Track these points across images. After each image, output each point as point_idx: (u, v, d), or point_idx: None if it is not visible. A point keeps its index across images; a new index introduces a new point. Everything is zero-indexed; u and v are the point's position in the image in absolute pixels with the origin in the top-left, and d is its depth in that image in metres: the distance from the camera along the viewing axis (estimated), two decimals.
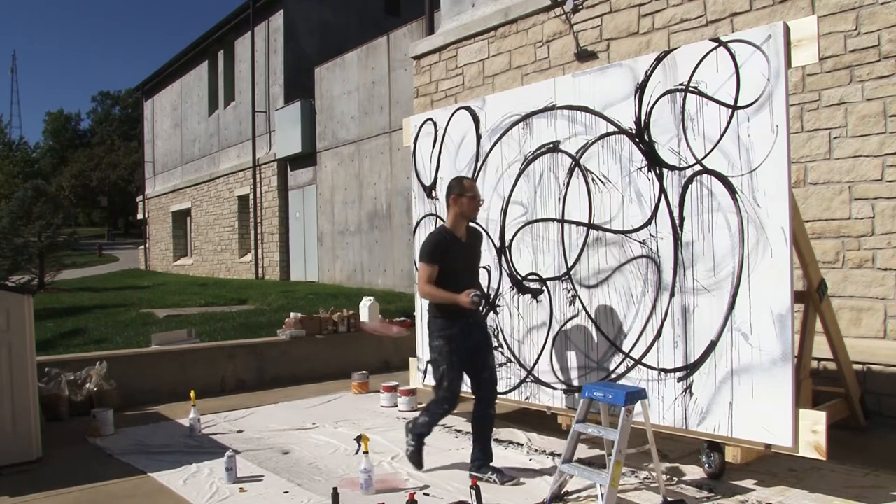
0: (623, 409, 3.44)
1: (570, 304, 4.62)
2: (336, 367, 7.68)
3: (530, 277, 4.89)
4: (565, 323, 4.65)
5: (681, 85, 4.00)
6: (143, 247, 29.12)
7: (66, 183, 54.93)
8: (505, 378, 4.98)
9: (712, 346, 3.85)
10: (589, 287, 4.51)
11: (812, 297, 4.42)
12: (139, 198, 30.69)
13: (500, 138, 5.07)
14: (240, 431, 5.42)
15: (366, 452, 3.89)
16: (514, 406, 5.11)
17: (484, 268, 4.94)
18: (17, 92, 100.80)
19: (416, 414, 5.87)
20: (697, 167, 3.93)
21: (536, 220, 4.84)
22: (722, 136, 3.81)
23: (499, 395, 4.50)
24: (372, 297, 8.49)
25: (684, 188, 3.99)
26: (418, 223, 5.78)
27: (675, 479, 4.02)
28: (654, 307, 4.13)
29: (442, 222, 5.46)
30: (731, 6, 6.10)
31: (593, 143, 4.46)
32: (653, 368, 4.13)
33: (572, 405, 4.54)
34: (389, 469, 4.34)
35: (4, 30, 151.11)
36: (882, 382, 5.11)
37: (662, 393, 4.07)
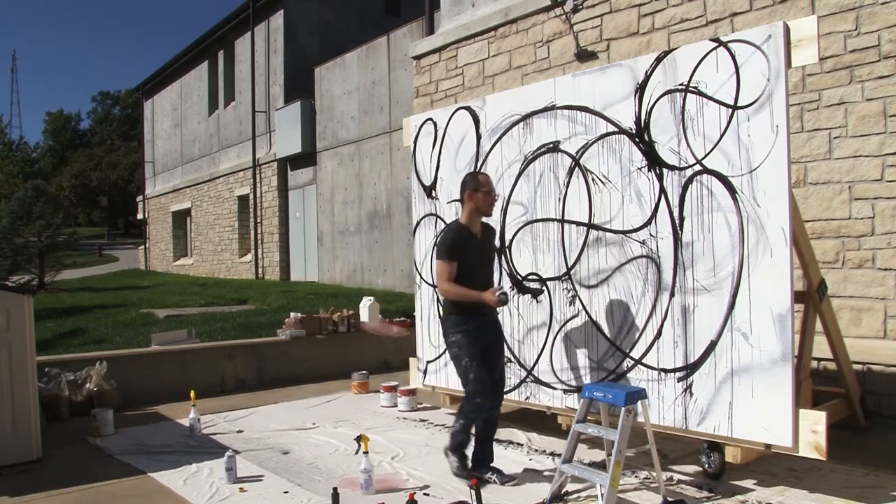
0: (623, 409, 3.44)
1: (570, 304, 4.62)
2: (336, 367, 7.68)
3: (530, 277, 4.89)
4: (565, 323, 4.65)
5: (681, 85, 4.00)
6: (143, 247, 29.11)
7: (66, 183, 54.93)
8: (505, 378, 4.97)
9: (712, 346, 3.85)
10: (589, 287, 4.51)
11: (812, 297, 4.42)
12: (139, 198, 30.69)
13: (500, 138, 5.07)
14: (240, 431, 5.42)
15: (366, 452, 3.89)
16: (514, 406, 5.10)
17: None
18: (17, 92, 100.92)
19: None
20: (697, 167, 3.93)
21: (536, 220, 4.84)
22: (722, 136, 3.81)
23: None
24: (372, 297, 8.50)
25: (684, 188, 3.99)
26: (418, 223, 5.79)
27: (675, 478, 4.02)
28: (654, 307, 4.13)
29: (442, 222, 5.47)
30: (731, 6, 6.10)
31: (593, 143, 4.46)
32: (653, 368, 4.13)
33: (572, 405, 4.55)
34: (389, 469, 4.34)
35: (4, 30, 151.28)
36: (882, 382, 5.11)
37: (662, 393, 4.07)
